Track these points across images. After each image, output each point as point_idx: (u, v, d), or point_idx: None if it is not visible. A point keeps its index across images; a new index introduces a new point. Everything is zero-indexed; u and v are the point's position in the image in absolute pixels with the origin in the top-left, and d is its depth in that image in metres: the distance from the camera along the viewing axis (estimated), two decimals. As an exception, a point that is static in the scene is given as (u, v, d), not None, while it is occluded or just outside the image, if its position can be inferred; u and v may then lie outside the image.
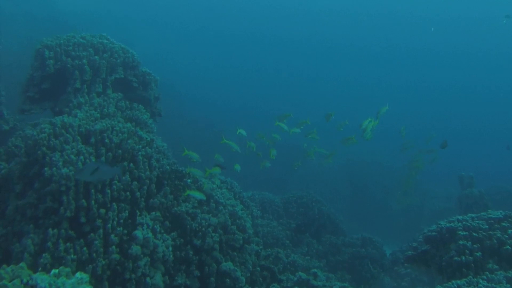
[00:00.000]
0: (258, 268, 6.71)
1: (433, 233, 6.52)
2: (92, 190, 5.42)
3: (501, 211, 6.48)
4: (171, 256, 5.61)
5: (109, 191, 5.51)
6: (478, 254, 5.80)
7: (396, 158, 20.40)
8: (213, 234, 6.00)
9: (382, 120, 7.91)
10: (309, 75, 46.81)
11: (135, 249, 5.21)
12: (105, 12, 30.01)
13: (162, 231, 5.77)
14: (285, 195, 11.57)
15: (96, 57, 7.66)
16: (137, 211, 5.69)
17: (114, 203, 5.47)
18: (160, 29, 39.01)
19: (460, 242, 5.96)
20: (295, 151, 17.18)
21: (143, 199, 5.82)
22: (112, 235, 5.26)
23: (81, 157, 5.66)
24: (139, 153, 6.03)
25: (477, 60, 48.63)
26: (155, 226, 5.63)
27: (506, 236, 5.86)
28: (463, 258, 5.82)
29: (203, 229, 6.00)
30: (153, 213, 5.87)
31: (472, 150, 34.81)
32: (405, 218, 18.55)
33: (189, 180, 6.61)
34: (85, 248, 5.09)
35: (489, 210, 6.65)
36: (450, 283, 5.40)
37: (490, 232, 6.01)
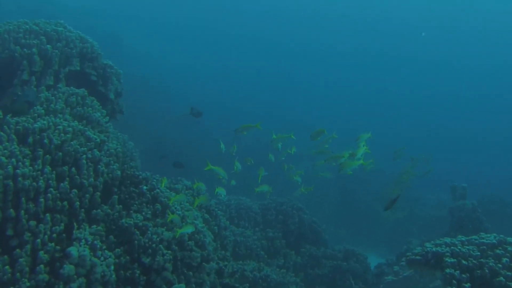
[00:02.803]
0: (219, 288, 5.98)
1: (417, 257, 5.76)
2: (23, 199, 4.67)
3: (494, 234, 5.71)
4: (113, 276, 4.83)
5: (42, 199, 4.75)
6: (467, 285, 5.04)
7: (388, 163, 19.76)
8: (165, 252, 5.21)
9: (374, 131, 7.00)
10: (308, 78, 46.07)
11: (68, 268, 4.44)
12: (96, 6, 29.19)
13: (104, 247, 4.97)
14: (265, 201, 10.76)
15: (48, 46, 6.86)
16: (75, 224, 4.92)
17: (48, 214, 4.72)
18: (152, 26, 38.31)
19: (447, 270, 5.20)
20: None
21: (83, 209, 5.04)
22: (41, 252, 4.50)
23: (13, 159, 4.90)
24: (84, 156, 5.26)
25: (471, 67, 48.11)
26: (95, 242, 4.85)
27: (500, 265, 5.09)
28: (450, 289, 5.07)
29: (154, 245, 5.22)
30: (94, 226, 5.10)
31: (466, 157, 34.27)
32: (394, 225, 17.90)
33: (145, 187, 5.86)
34: (7, 267, 4.35)
35: (481, 233, 5.86)
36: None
37: (482, 260, 5.24)
